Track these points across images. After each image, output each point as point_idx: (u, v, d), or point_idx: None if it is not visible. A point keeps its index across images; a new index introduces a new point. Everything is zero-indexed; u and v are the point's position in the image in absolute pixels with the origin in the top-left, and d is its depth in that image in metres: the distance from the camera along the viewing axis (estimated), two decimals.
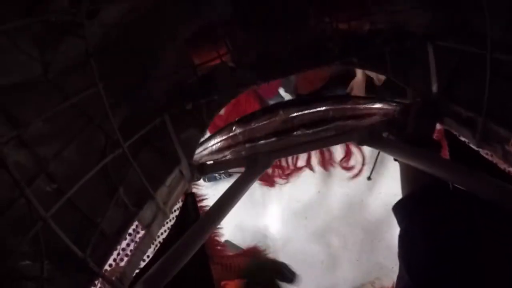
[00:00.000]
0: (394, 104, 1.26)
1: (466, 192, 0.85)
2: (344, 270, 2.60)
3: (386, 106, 1.27)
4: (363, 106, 1.28)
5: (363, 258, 2.61)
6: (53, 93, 0.83)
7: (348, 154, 2.42)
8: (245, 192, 1.04)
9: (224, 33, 1.05)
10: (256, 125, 1.29)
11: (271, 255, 2.51)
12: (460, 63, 1.04)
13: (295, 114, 1.28)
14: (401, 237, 0.89)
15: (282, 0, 1.03)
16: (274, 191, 2.99)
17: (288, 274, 2.46)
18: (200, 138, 1.20)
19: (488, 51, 0.90)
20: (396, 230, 0.91)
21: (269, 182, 2.65)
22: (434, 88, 1.08)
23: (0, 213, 0.70)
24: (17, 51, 0.72)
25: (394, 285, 1.20)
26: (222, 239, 2.56)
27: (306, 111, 1.27)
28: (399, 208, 0.94)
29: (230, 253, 2.36)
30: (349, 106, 1.27)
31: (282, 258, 2.54)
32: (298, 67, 1.12)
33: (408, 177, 1.00)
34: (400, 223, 0.92)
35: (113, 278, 0.88)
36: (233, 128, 1.31)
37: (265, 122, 1.28)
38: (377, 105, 1.28)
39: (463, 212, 0.86)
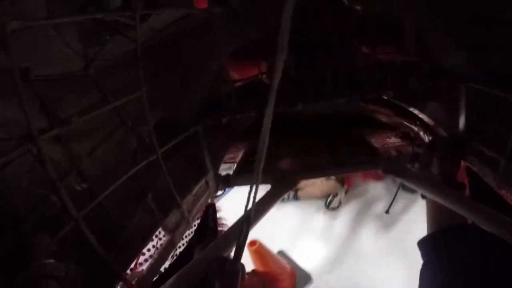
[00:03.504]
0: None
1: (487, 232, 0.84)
2: None
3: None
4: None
5: None
6: (92, 89, 0.80)
7: None
8: (270, 209, 1.01)
9: (265, 53, 1.01)
10: None
11: None
12: (487, 105, 1.02)
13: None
14: (423, 270, 0.92)
15: (326, 27, 1.00)
16: None
17: None
18: (227, 150, 1.16)
19: None
20: None
21: None
22: (461, 126, 1.05)
23: (31, 209, 0.66)
24: (62, 44, 0.68)
25: None
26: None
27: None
28: (423, 244, 0.96)
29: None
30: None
31: None
32: (334, 95, 1.08)
33: (435, 216, 1.01)
34: (423, 256, 0.95)
35: (133, 283, 0.84)
36: None
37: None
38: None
39: (481, 255, 0.87)
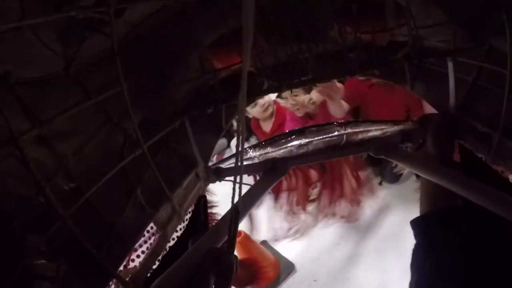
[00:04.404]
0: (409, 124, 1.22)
1: (481, 209, 0.83)
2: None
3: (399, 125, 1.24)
4: (375, 126, 1.25)
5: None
6: (74, 89, 0.80)
7: None
8: (261, 198, 1.00)
9: None
10: (272, 149, 1.24)
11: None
12: (477, 79, 1.00)
13: (310, 140, 1.23)
14: (414, 250, 0.91)
15: (306, 9, 0.99)
16: None
17: None
18: (216, 142, 1.16)
19: (508, 70, 0.86)
20: None
21: None
22: (452, 102, 1.04)
23: (19, 212, 0.66)
24: (41, 46, 0.68)
25: None
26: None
27: (321, 137, 1.23)
28: (415, 224, 0.95)
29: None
30: (361, 129, 1.24)
31: None
32: (319, 76, 1.07)
33: (427, 196, 0.99)
34: (415, 237, 0.93)
35: (127, 279, 0.84)
36: (249, 152, 1.25)
37: (280, 147, 1.24)
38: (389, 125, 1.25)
39: (474, 234, 0.86)
